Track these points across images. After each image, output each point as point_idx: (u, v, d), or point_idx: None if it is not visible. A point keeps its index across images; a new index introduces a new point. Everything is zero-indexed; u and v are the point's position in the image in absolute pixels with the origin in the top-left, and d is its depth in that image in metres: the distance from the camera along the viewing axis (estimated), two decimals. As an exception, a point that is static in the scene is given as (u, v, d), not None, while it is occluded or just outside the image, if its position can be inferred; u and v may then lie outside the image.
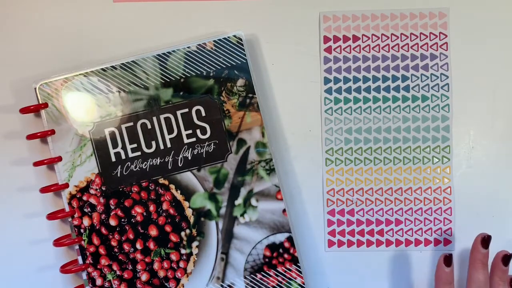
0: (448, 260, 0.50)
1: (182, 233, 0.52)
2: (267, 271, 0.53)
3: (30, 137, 0.52)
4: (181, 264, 0.52)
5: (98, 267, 0.52)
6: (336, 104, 0.55)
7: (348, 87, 0.55)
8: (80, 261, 0.52)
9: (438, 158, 0.54)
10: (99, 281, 0.52)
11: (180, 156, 0.52)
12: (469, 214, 0.54)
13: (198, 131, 0.52)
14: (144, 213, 0.52)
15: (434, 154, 0.54)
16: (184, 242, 0.52)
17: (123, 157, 0.52)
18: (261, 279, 0.53)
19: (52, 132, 0.52)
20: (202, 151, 0.52)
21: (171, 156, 0.52)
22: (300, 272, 0.53)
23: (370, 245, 0.54)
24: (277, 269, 0.53)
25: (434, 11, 0.55)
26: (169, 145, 0.52)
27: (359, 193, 0.55)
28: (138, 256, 0.52)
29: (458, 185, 0.54)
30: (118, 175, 0.52)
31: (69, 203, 0.52)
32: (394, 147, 0.54)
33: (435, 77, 0.55)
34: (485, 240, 0.50)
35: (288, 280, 0.53)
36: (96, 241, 0.52)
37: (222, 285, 0.52)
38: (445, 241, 0.54)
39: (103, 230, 0.52)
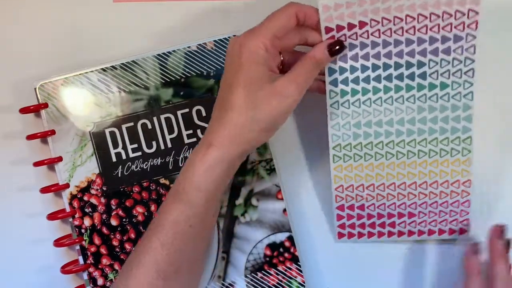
0: (476, 248, 0.49)
1: (183, 233, 0.53)
2: (267, 270, 0.53)
3: (30, 137, 0.52)
4: (182, 264, 0.53)
5: (100, 266, 0.52)
6: (342, 97, 0.49)
7: (355, 77, 0.48)
8: (81, 261, 0.52)
9: (458, 150, 0.50)
10: (100, 281, 0.52)
11: (181, 156, 0.53)
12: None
13: (198, 131, 0.53)
14: (146, 213, 0.52)
15: (453, 146, 0.50)
16: (185, 242, 0.53)
17: (124, 157, 0.52)
18: (261, 277, 0.53)
19: (52, 132, 0.52)
20: (202, 151, 0.52)
21: (171, 156, 0.52)
22: (301, 270, 0.53)
23: (382, 236, 0.52)
24: (278, 268, 0.53)
25: None
26: (169, 145, 0.53)
27: (370, 188, 0.51)
28: (139, 255, 0.52)
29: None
30: (119, 175, 0.52)
31: (70, 203, 0.52)
32: (408, 140, 0.50)
33: (458, 62, 0.48)
34: (501, 231, 0.48)
35: (289, 279, 0.53)
36: (97, 241, 0.52)
37: (223, 284, 0.53)
38: (461, 230, 0.52)
39: (104, 230, 0.52)
